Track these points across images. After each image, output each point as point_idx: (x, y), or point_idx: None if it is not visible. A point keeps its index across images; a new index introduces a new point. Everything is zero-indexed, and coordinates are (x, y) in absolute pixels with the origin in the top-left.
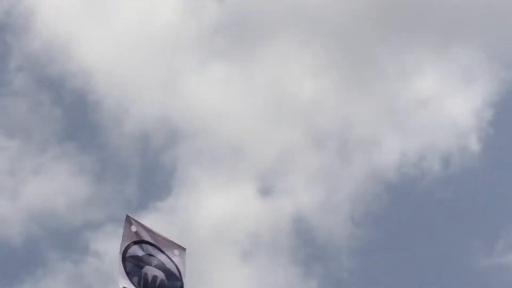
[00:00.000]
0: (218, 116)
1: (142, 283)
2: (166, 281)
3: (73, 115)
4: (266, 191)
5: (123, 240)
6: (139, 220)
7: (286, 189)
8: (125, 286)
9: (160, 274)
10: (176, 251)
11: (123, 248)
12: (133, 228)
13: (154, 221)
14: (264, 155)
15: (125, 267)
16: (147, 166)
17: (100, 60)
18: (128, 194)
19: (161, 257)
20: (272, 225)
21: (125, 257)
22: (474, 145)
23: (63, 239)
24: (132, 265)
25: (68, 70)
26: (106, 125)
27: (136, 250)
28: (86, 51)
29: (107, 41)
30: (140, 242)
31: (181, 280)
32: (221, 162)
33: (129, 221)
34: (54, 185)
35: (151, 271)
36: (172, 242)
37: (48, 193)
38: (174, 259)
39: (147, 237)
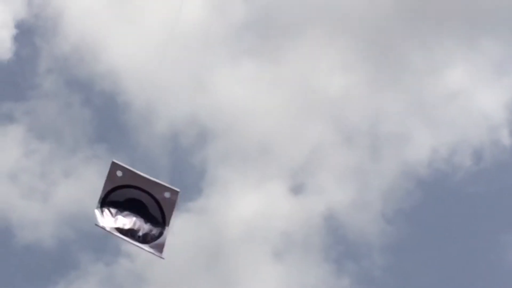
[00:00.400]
0: (247, 114)
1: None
2: (144, 226)
3: (102, 117)
4: (297, 189)
5: (104, 185)
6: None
7: (317, 186)
8: (102, 225)
9: (138, 220)
10: (166, 194)
11: (103, 194)
12: (119, 173)
13: (185, 221)
14: (294, 153)
15: (102, 212)
16: (177, 166)
17: (129, 61)
18: None
19: (145, 200)
20: (304, 223)
21: (105, 202)
22: (505, 139)
23: (95, 241)
24: (110, 211)
25: (97, 71)
26: (136, 126)
27: (117, 196)
28: (115, 52)
29: (135, 42)
30: (124, 186)
31: (162, 223)
32: (251, 161)
33: (114, 166)
34: (85, 187)
35: (129, 217)
36: (164, 185)
37: (79, 195)
38: (161, 202)
39: (133, 182)
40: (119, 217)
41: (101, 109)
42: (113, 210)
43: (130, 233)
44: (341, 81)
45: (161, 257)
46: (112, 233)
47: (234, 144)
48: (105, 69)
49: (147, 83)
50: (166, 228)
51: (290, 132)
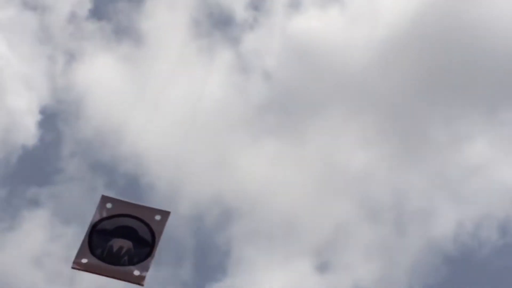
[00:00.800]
0: (271, 192)
1: (105, 254)
2: (132, 250)
3: (126, 199)
4: (322, 267)
5: (93, 217)
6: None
7: (343, 264)
8: (81, 261)
9: (128, 244)
10: (157, 216)
11: (91, 224)
12: (108, 205)
13: None
14: (319, 230)
15: (90, 242)
16: (202, 247)
17: (152, 142)
18: (183, 276)
19: (135, 225)
20: None
21: (93, 232)
22: None
23: None
24: (99, 239)
25: (120, 154)
26: (160, 207)
27: (106, 225)
28: (137, 134)
29: (157, 123)
30: (114, 216)
31: (151, 245)
32: (276, 239)
33: (104, 199)
34: None
35: (118, 243)
36: (155, 209)
37: (105, 279)
38: (151, 224)
39: (124, 211)
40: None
41: (125, 191)
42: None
43: (113, 258)
44: (363, 157)
45: (140, 284)
46: (87, 270)
47: (258, 223)
48: (128, 151)
49: (170, 164)
50: (154, 249)
51: (314, 209)
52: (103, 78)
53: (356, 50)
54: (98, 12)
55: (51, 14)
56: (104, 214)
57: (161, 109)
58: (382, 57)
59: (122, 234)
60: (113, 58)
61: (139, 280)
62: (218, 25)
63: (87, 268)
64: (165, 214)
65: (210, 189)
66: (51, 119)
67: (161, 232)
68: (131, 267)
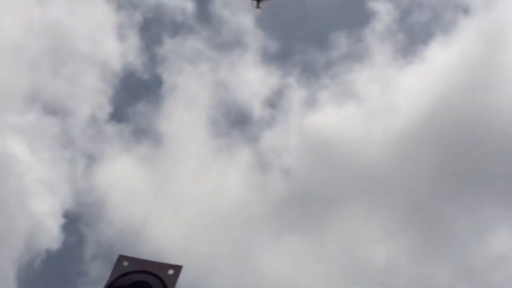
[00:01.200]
0: (294, 287)
1: None
2: None
3: None
4: None
5: (110, 276)
6: None
7: None
8: None
9: None
10: (170, 271)
11: (109, 282)
12: (125, 263)
13: None
14: None
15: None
16: None
17: (173, 240)
18: None
19: (150, 280)
20: None
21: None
22: None
23: None
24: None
25: (142, 253)
26: None
27: (122, 281)
28: (159, 232)
29: (178, 221)
30: (130, 273)
31: None
32: None
33: (121, 258)
34: None
35: None
36: (167, 264)
37: None
38: (165, 278)
39: (139, 267)
40: None
41: None
42: None
43: None
44: (384, 250)
45: None
46: None
47: None
48: (150, 250)
49: (192, 260)
50: None
51: None
52: (124, 180)
53: (372, 144)
54: (117, 115)
55: (71, 118)
56: (122, 271)
57: (182, 208)
58: (398, 151)
59: None
60: (133, 160)
61: None
62: (236, 123)
63: None
64: (178, 268)
65: (233, 284)
66: (74, 222)
67: (173, 286)
68: None
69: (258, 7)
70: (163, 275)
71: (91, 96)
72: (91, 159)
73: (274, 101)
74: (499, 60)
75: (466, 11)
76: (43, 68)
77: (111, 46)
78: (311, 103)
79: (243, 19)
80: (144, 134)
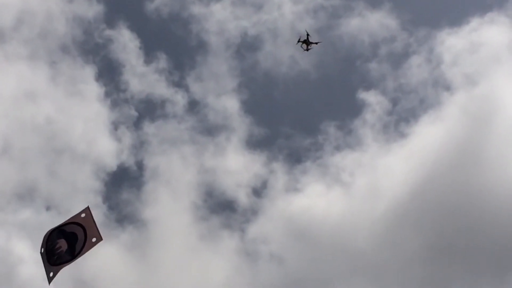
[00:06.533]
0: None
1: (49, 248)
2: (63, 253)
3: None
4: None
5: (70, 219)
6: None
7: None
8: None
9: (64, 247)
10: (94, 239)
11: (63, 223)
12: (83, 215)
13: None
14: None
15: (49, 234)
16: None
17: None
18: None
19: (80, 237)
20: None
21: (59, 229)
22: None
23: None
24: (55, 235)
25: None
26: None
27: (68, 227)
28: None
29: None
30: (80, 225)
31: (73, 257)
32: None
33: (86, 210)
34: None
35: (61, 243)
36: (98, 231)
37: None
38: (87, 243)
39: (85, 223)
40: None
41: None
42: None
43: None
44: None
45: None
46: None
47: None
48: None
49: None
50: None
51: None
52: (108, 267)
53: (359, 226)
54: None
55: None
56: (75, 220)
57: None
58: (386, 232)
59: (68, 240)
60: (117, 246)
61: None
62: (220, 209)
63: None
64: (99, 239)
65: None
66: None
67: (84, 253)
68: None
69: (307, 49)
70: (88, 240)
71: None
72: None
73: (259, 187)
74: (483, 135)
75: (448, 88)
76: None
77: (103, 143)
78: (296, 187)
79: (228, 103)
80: (128, 220)
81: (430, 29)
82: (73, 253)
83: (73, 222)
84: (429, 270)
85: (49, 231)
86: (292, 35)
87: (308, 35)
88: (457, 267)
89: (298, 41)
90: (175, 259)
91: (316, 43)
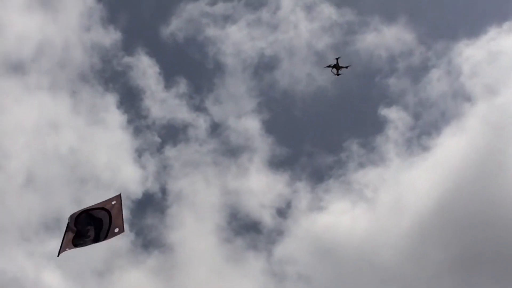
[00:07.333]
0: None
1: (80, 230)
2: (93, 232)
3: None
4: None
5: (101, 202)
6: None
7: None
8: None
9: (92, 235)
10: (117, 229)
11: (93, 207)
12: (113, 202)
13: None
14: None
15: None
16: None
17: None
18: None
19: (105, 225)
20: None
21: (88, 213)
22: None
23: None
24: (85, 220)
25: None
26: None
27: (97, 213)
28: None
29: None
30: (108, 211)
31: (109, 224)
32: None
33: (117, 198)
34: None
35: (90, 231)
36: (122, 223)
37: None
38: (110, 233)
39: (113, 211)
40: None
41: None
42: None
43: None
44: None
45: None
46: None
47: None
48: None
49: None
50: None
51: None
52: None
53: (384, 242)
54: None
55: None
56: (105, 205)
57: None
58: (411, 246)
59: (95, 226)
60: (144, 271)
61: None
62: (245, 231)
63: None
64: (118, 198)
65: None
66: None
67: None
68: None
69: (337, 74)
70: (110, 207)
71: None
72: (100, 276)
73: (284, 208)
74: (505, 144)
75: (468, 99)
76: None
77: (128, 170)
78: (320, 206)
79: (248, 124)
80: (154, 245)
81: (448, 41)
82: (96, 240)
83: (103, 207)
84: (455, 283)
85: (78, 211)
86: (309, 53)
87: (337, 59)
88: (483, 278)
89: (328, 66)
90: (201, 281)
91: (346, 67)
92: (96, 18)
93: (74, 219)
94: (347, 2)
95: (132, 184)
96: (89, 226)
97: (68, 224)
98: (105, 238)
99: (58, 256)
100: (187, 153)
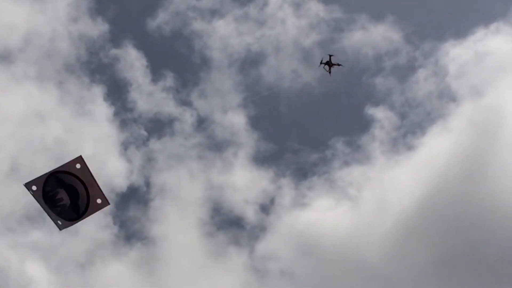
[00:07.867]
0: None
1: (48, 195)
2: (66, 208)
3: None
4: None
5: (61, 166)
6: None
7: None
8: (32, 186)
9: (66, 200)
10: (99, 200)
11: (55, 170)
12: (78, 166)
13: None
14: None
15: (47, 181)
16: None
17: None
18: None
19: (82, 194)
20: None
21: (54, 176)
22: None
23: None
24: (54, 182)
25: None
26: None
27: (65, 177)
28: None
29: None
30: (75, 175)
31: (78, 216)
32: None
33: (79, 159)
34: None
35: (62, 195)
36: (101, 192)
37: None
38: (92, 204)
39: (83, 177)
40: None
41: None
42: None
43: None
44: None
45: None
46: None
47: None
48: None
49: None
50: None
51: None
52: (117, 284)
53: (367, 240)
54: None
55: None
56: (69, 170)
57: None
58: (394, 245)
59: (69, 192)
60: (126, 264)
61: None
62: (228, 226)
63: (33, 194)
64: (105, 203)
65: None
66: None
67: (89, 215)
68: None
69: (329, 71)
70: (93, 200)
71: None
72: (81, 267)
73: (267, 204)
74: (490, 145)
75: (454, 99)
76: None
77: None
78: (303, 202)
79: (234, 119)
80: (136, 237)
81: (435, 41)
82: (77, 211)
83: (68, 172)
84: (438, 282)
85: (37, 178)
86: (296, 49)
87: (330, 56)
88: (466, 279)
89: (321, 63)
90: (183, 275)
91: (339, 65)
92: (84, 9)
93: (42, 184)
94: None
95: (117, 177)
96: (59, 188)
97: (33, 191)
98: (87, 209)
99: (60, 230)
100: (172, 146)
